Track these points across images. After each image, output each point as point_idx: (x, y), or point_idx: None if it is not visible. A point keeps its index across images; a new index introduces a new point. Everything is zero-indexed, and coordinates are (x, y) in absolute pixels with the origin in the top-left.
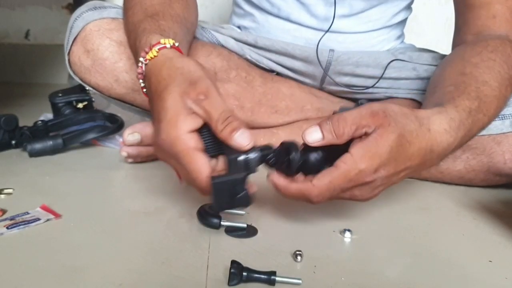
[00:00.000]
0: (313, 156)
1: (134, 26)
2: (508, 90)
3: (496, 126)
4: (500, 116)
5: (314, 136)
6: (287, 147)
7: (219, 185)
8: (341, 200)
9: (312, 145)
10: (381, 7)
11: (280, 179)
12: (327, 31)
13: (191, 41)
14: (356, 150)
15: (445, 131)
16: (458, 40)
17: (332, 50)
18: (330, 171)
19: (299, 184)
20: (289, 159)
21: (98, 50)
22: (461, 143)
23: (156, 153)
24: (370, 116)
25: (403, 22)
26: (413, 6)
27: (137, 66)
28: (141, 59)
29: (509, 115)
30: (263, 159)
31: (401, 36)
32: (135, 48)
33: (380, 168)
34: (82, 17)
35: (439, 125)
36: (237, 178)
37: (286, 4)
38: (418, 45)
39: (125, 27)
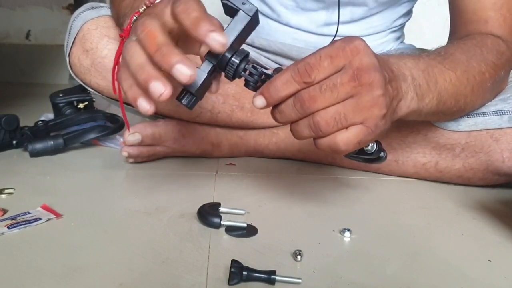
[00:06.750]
0: None
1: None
2: (480, 65)
3: (494, 121)
4: (498, 112)
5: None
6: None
7: None
8: (340, 199)
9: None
10: (381, 14)
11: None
12: (335, 36)
13: None
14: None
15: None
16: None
17: None
18: None
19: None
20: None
21: (96, 48)
22: (424, 79)
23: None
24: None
25: (402, 25)
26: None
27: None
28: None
29: (508, 110)
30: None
31: (400, 37)
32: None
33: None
34: (80, 17)
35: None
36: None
37: (287, 10)
38: (418, 46)
39: (115, 13)
